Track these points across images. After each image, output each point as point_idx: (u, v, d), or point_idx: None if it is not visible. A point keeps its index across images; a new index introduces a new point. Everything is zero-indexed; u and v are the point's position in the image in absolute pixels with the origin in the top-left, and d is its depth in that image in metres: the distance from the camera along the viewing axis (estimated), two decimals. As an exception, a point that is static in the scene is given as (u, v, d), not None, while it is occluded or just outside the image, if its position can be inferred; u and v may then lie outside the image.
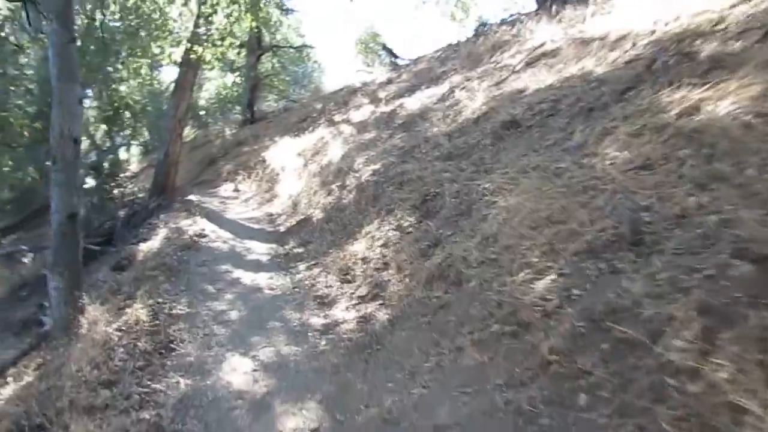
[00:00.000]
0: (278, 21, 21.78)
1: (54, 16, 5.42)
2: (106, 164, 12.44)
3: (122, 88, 13.40)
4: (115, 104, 13.00)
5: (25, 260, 10.60)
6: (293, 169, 10.88)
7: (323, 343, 4.23)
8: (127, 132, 14.82)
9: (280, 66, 19.79)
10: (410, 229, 4.97)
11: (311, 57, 21.23)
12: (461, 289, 3.73)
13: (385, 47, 17.27)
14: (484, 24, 13.52)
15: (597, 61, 5.98)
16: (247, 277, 5.95)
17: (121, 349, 4.35)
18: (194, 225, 8.46)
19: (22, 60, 12.46)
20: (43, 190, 11.43)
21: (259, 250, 7.02)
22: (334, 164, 8.78)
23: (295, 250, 6.48)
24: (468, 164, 5.49)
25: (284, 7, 17.45)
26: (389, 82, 14.14)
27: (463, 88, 8.60)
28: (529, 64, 7.69)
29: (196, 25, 11.21)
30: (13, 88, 11.55)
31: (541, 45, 7.96)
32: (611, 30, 6.43)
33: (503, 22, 12.20)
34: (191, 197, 11.59)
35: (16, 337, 7.54)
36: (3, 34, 11.35)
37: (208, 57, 10.94)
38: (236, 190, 12.61)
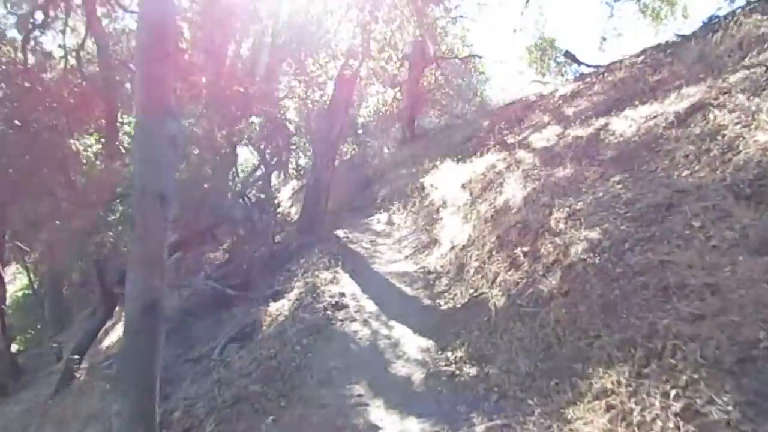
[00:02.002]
0: (444, 31, 19.80)
1: (142, 20, 3.73)
2: (253, 192, 11.25)
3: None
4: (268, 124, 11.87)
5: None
6: (457, 205, 8.58)
7: None
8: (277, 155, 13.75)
9: (443, 78, 17.65)
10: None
11: (478, 68, 18.75)
12: None
13: (567, 53, 14.26)
14: (715, 17, 9.93)
15: None
16: (390, 427, 3.71)
17: None
18: (334, 283, 6.56)
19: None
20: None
21: (411, 350, 4.79)
22: (514, 211, 6.30)
23: (466, 371, 4.10)
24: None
25: (452, 14, 15.25)
26: (576, 94, 11.17)
27: (719, 105, 5.56)
28: None
29: (353, 37, 9.49)
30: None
31: None
32: None
33: (753, 9, 8.64)
34: (340, 232, 9.87)
35: None
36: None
37: (363, 72, 9.12)
38: (390, 222, 10.67)
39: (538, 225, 5.27)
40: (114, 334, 11.31)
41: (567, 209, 5.16)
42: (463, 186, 9.14)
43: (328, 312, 5.62)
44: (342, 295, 6.13)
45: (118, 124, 12.24)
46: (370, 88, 17.95)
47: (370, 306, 5.86)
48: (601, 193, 5.12)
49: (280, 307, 6.35)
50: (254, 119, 14.60)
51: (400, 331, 5.03)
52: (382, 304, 5.88)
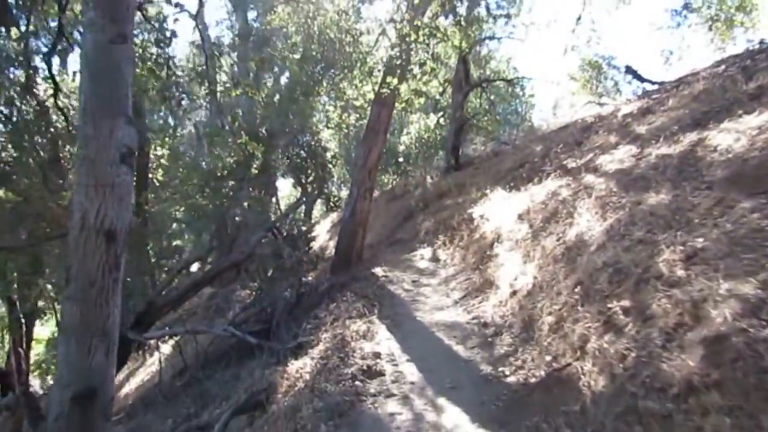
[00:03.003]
0: (488, 53, 18.64)
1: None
2: (288, 225, 10.14)
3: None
4: (303, 153, 10.83)
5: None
6: (514, 240, 7.16)
7: None
8: (315, 185, 12.70)
9: (488, 103, 16.34)
10: None
11: (525, 91, 17.39)
12: None
13: (628, 69, 12.76)
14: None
15: None
16: None
17: None
18: (367, 339, 5.22)
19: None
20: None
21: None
22: (594, 248, 4.86)
23: None
24: None
25: (497, 34, 14.03)
26: (647, 111, 9.63)
27: None
28: None
29: (391, 52, 8.35)
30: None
31: None
32: None
33: None
34: (378, 270, 8.55)
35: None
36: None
37: (403, 91, 7.93)
38: (435, 258, 9.30)
39: (639, 270, 3.81)
40: (133, 381, 10.28)
41: (681, 248, 3.68)
42: (520, 217, 7.73)
43: (358, 382, 4.27)
44: (377, 356, 4.76)
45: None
46: (411, 114, 16.88)
47: (412, 373, 4.46)
48: (729, 226, 3.63)
49: (301, 368, 5.03)
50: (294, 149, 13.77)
51: (453, 417, 3.61)
52: (428, 369, 4.47)
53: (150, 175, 14.19)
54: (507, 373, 4.08)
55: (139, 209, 13.33)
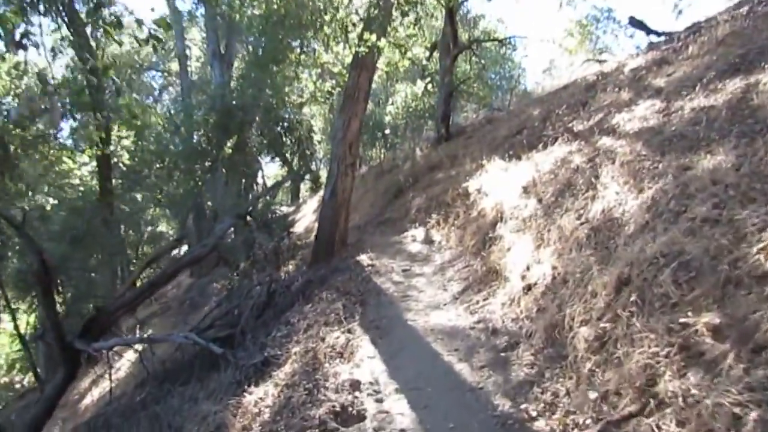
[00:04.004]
0: (477, 17, 17.14)
1: None
2: (262, 209, 8.82)
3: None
4: (277, 127, 9.46)
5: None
6: (521, 217, 5.93)
7: None
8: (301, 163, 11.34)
9: (479, 67, 14.90)
10: None
11: (518, 52, 15.96)
12: None
13: (633, 21, 11.36)
14: None
15: None
16: None
17: None
18: (345, 358, 4.00)
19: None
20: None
21: None
22: (632, 228, 3.65)
23: None
24: None
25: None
26: (662, 62, 8.32)
27: None
28: None
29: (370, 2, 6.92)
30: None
31: None
32: None
33: None
34: (363, 258, 7.33)
35: None
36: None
37: (384, 47, 6.57)
38: (428, 240, 8.07)
39: (722, 263, 2.59)
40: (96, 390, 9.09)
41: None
42: (526, 190, 6.50)
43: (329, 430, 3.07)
44: (355, 386, 3.54)
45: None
46: (397, 83, 15.44)
47: (402, 412, 3.23)
48: None
49: (260, 400, 3.83)
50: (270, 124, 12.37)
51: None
52: (422, 406, 3.25)
53: (115, 160, 12.83)
54: (533, 413, 2.88)
55: (103, 196, 11.99)
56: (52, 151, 11.20)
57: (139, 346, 7.49)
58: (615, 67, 10.38)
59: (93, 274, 10.14)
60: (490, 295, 4.86)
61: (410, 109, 14.60)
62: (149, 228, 17.86)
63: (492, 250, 5.82)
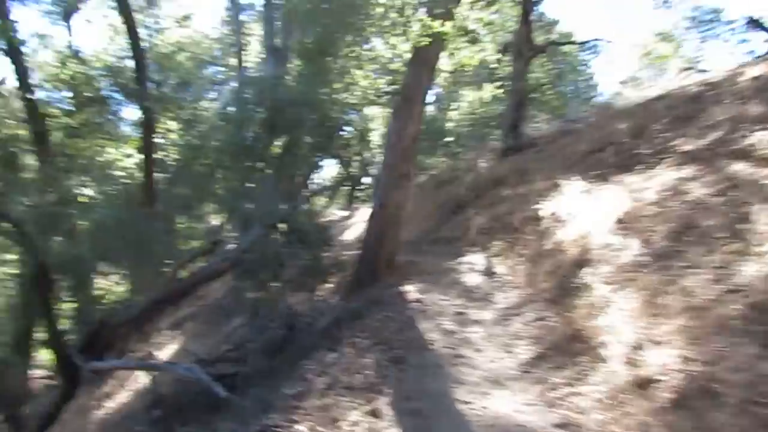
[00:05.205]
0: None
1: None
2: (298, 219, 7.65)
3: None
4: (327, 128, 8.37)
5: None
6: (617, 262, 4.43)
7: None
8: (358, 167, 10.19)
9: (555, 72, 13.26)
10: None
11: (599, 58, 14.20)
12: None
13: (752, 22, 9.42)
14: None
15: None
16: None
17: None
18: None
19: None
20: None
21: None
22: None
23: None
24: None
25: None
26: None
27: None
28: None
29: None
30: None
31: None
32: None
33: None
34: (410, 289, 6.02)
35: None
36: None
37: (449, 33, 5.24)
38: (490, 272, 6.65)
39: None
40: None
41: None
42: (621, 224, 4.98)
43: None
44: None
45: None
46: (462, 87, 14.03)
47: None
48: None
49: None
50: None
51: None
52: None
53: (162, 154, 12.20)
54: None
55: (145, 192, 11.30)
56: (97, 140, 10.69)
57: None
58: (727, 75, 8.55)
59: (117, 275, 9.41)
60: (577, 377, 3.41)
61: (476, 116, 13.14)
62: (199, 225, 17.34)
63: (576, 304, 4.36)
